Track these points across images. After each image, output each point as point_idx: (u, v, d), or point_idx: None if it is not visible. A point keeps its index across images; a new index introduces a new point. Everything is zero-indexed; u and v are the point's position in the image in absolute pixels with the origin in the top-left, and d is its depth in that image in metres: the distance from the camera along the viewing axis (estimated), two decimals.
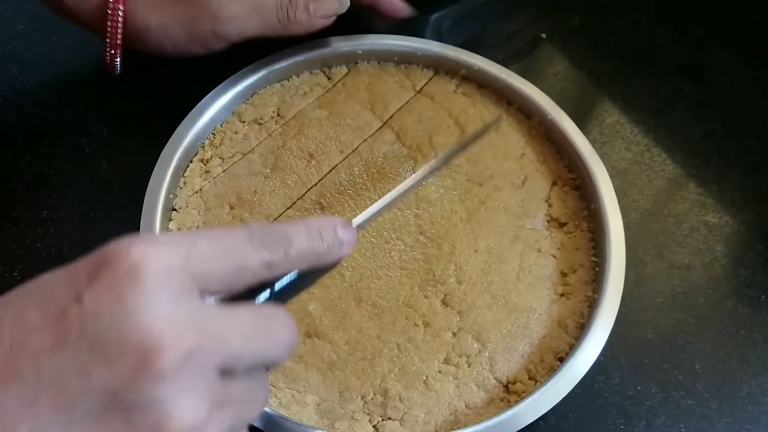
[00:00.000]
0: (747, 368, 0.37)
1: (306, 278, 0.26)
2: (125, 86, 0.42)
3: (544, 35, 0.49)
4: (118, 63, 0.40)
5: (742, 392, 0.37)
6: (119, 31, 0.38)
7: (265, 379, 0.24)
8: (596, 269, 0.37)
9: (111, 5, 0.37)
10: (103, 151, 0.42)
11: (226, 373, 0.21)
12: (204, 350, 0.20)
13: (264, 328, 0.22)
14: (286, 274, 0.25)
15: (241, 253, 0.22)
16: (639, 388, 0.36)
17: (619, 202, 0.39)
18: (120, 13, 0.37)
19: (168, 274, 0.20)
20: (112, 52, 0.39)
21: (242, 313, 0.22)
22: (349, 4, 0.41)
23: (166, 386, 0.19)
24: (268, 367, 0.24)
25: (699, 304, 0.39)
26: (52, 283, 0.21)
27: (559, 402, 0.35)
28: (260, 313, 0.22)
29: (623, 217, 0.41)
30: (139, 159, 0.38)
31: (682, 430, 0.35)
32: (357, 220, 0.30)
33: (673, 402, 0.36)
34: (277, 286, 0.25)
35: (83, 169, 0.41)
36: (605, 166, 0.39)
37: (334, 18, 0.41)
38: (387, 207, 0.31)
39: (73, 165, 0.41)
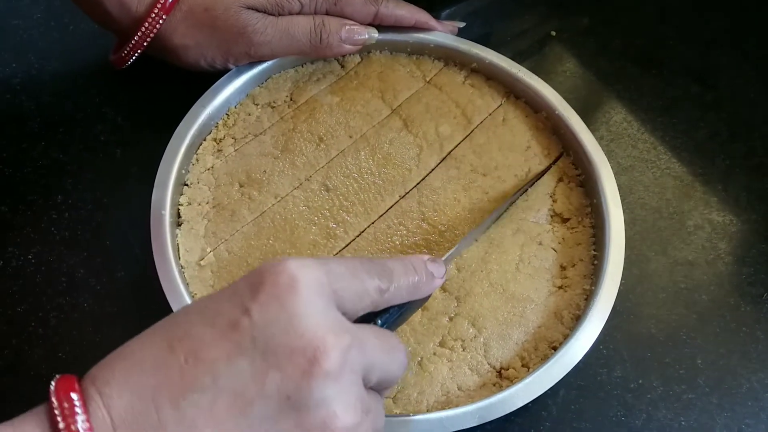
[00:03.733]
0: (748, 364, 0.37)
1: (402, 313, 0.29)
2: (140, 75, 0.43)
3: (553, 33, 0.50)
4: (131, 60, 0.41)
5: (742, 388, 0.37)
6: (150, 37, 0.39)
7: (383, 400, 0.26)
8: (595, 263, 0.37)
9: (151, 19, 0.38)
10: (118, 139, 0.43)
11: (365, 381, 0.23)
12: (355, 351, 0.22)
13: (388, 345, 0.25)
14: (391, 304, 0.28)
15: (362, 277, 0.25)
16: (641, 381, 0.37)
17: (624, 199, 0.40)
18: (157, 26, 0.38)
19: (319, 286, 0.22)
20: (131, 51, 0.40)
21: (370, 329, 0.25)
22: (378, 36, 0.43)
23: (332, 386, 0.21)
24: (385, 387, 0.26)
25: (702, 301, 0.39)
26: (217, 300, 0.23)
27: (562, 393, 0.35)
28: (383, 333, 0.25)
29: (629, 214, 0.42)
30: (153, 146, 0.39)
31: (683, 423, 0.36)
32: (445, 256, 0.34)
33: (674, 396, 0.36)
34: (381, 319, 0.28)
35: (98, 155, 0.42)
36: (612, 163, 0.40)
37: (361, 46, 0.43)
38: (468, 242, 0.37)
39: (87, 152, 0.42)
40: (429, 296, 0.31)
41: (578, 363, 0.36)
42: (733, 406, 0.36)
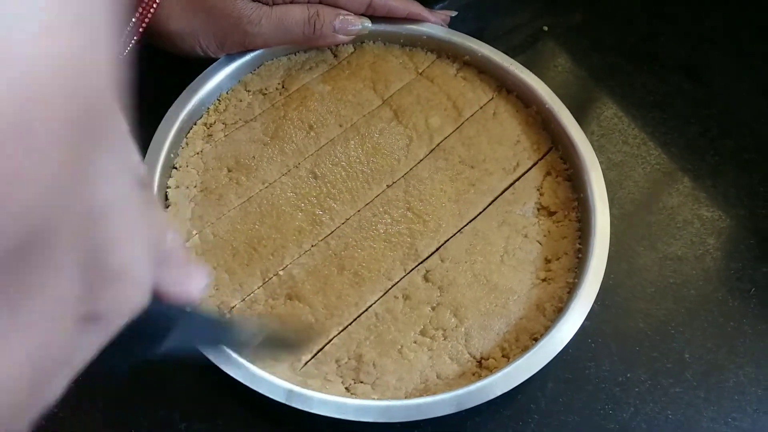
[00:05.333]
0: (735, 359, 0.37)
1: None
2: (130, 67, 0.43)
3: (545, 28, 0.50)
4: (128, 48, 0.40)
5: (729, 382, 0.37)
6: (145, 21, 0.39)
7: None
8: (579, 256, 0.37)
9: (145, 3, 0.38)
10: None
11: None
12: None
13: None
14: None
15: None
16: (629, 375, 0.36)
17: (614, 194, 0.39)
18: (152, 11, 0.38)
19: None
20: (127, 38, 0.39)
21: None
22: (371, 26, 0.43)
23: None
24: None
25: (690, 295, 0.39)
26: None
27: (550, 386, 0.36)
28: None
29: (618, 209, 0.42)
30: (142, 139, 0.38)
31: (670, 417, 0.36)
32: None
33: (661, 389, 0.36)
34: None
35: None
36: (602, 158, 0.40)
37: (354, 36, 0.43)
38: None
39: None
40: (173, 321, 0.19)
41: (566, 356, 0.36)
42: (719, 400, 0.36)
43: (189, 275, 0.19)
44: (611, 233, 0.40)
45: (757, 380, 0.36)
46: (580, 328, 0.37)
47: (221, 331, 0.25)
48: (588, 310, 0.34)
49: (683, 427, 0.35)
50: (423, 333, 0.35)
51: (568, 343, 0.36)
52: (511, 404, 0.35)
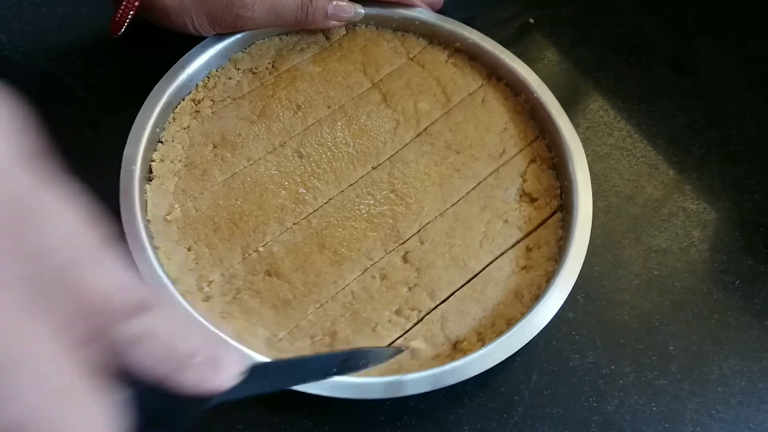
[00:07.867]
0: (719, 351, 0.37)
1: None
2: (114, 57, 0.42)
3: (532, 20, 0.50)
4: (126, 24, 0.40)
5: (713, 374, 0.36)
6: None
7: None
8: (560, 243, 0.37)
9: None
10: (92, 122, 0.42)
11: None
12: None
13: None
14: (127, 358, 0.16)
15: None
16: (613, 367, 0.36)
17: (600, 187, 0.39)
18: None
19: None
20: (124, 13, 0.39)
21: None
22: (363, 12, 0.43)
23: None
24: None
25: (675, 288, 0.39)
26: None
27: (535, 379, 0.36)
28: None
29: (603, 201, 0.41)
30: (127, 130, 0.38)
31: (654, 409, 0.35)
32: (253, 361, 0.20)
33: (646, 382, 0.36)
34: None
35: (72, 139, 0.39)
36: (587, 151, 0.39)
37: (346, 22, 0.43)
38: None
39: (61, 135, 0.40)
40: (208, 402, 0.18)
41: (551, 348, 0.36)
42: (704, 392, 0.36)
43: (216, 368, 0.18)
44: (596, 225, 0.40)
45: (741, 372, 0.36)
46: (564, 320, 0.37)
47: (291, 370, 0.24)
48: (566, 296, 0.34)
49: (668, 419, 0.35)
50: (398, 313, 0.35)
51: (553, 335, 0.36)
52: (495, 396, 0.35)
